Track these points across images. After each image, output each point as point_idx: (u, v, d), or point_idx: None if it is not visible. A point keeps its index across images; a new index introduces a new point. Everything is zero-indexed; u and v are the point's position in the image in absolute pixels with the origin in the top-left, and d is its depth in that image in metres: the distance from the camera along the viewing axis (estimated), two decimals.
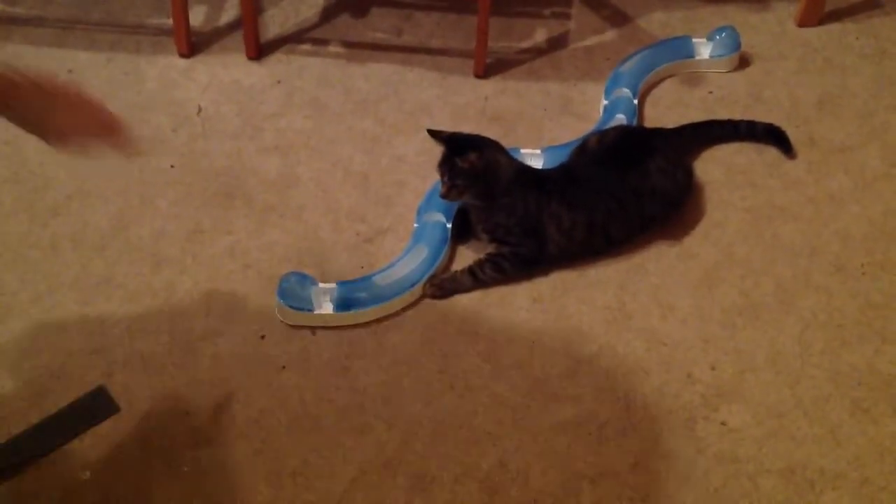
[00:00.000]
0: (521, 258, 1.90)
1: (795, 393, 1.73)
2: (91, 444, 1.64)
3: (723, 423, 1.69)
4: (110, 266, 1.93)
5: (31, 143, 2.14)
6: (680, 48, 2.39)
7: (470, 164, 1.82)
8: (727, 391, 1.73)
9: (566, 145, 2.12)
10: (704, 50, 2.38)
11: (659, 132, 2.12)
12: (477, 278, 1.89)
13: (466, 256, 1.96)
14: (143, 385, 1.73)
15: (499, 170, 1.87)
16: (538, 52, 2.46)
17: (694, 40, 2.39)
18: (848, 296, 1.89)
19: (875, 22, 2.53)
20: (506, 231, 1.90)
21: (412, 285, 1.86)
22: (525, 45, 2.47)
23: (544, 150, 2.12)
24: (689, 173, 2.06)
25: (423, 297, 1.88)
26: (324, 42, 2.48)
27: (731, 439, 1.66)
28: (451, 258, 1.96)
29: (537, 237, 1.89)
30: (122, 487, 1.59)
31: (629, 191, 1.93)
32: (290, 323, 1.83)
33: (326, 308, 1.82)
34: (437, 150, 1.89)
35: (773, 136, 2.17)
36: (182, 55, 2.40)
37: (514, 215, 1.88)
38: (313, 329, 1.82)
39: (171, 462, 1.62)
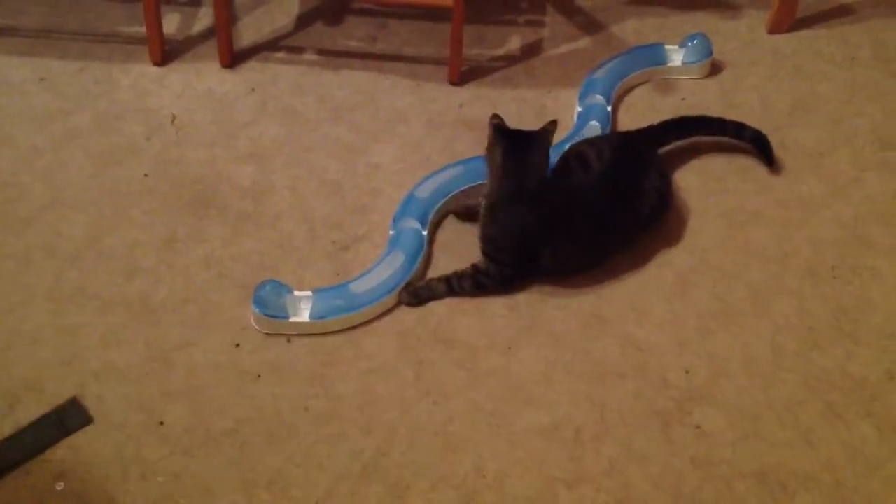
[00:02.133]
0: (507, 279, 1.90)
1: (768, 396, 1.74)
2: (65, 455, 1.63)
3: (697, 427, 1.70)
4: (84, 276, 1.91)
5: (2, 154, 2.14)
6: (652, 55, 2.41)
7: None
8: (701, 395, 1.74)
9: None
10: (677, 57, 2.40)
11: (652, 138, 2.11)
12: (453, 290, 1.89)
13: (442, 263, 1.96)
14: (116, 395, 1.72)
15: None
16: (512, 59, 2.46)
17: (666, 47, 2.41)
18: (819, 299, 1.91)
19: (845, 29, 2.56)
20: (497, 248, 1.89)
21: (388, 293, 1.86)
22: (499, 52, 2.48)
23: None
24: (670, 184, 2.06)
25: (398, 304, 1.88)
26: (298, 50, 2.47)
27: (705, 443, 1.67)
28: (426, 265, 1.96)
29: (530, 260, 1.89)
30: (95, 498, 1.57)
31: (628, 212, 1.94)
32: (266, 331, 1.83)
33: (302, 316, 1.82)
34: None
35: (758, 144, 2.16)
36: (155, 63, 2.39)
37: (511, 235, 1.88)
38: (289, 337, 1.82)
39: (145, 473, 1.61)
